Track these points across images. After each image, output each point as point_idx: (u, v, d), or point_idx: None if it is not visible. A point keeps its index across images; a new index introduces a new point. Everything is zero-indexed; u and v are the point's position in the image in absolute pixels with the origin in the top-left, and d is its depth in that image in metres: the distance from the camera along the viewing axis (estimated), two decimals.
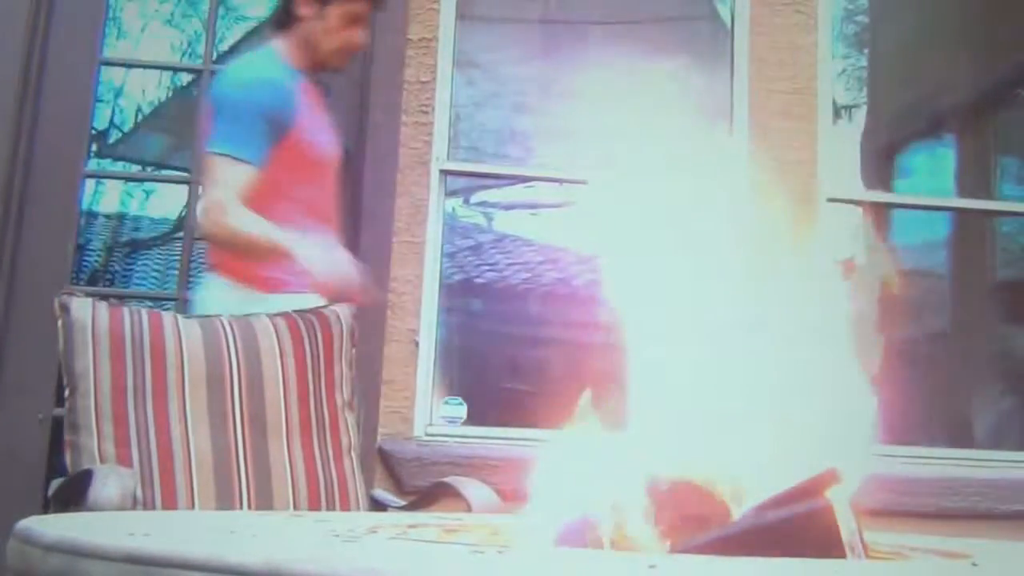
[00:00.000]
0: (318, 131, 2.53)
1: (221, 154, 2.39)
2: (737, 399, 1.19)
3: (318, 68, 2.57)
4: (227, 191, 2.37)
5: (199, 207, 2.48)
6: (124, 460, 2.14)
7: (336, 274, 2.40)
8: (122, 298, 5.55)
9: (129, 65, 6.32)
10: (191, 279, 3.12)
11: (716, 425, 1.18)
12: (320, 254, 2.39)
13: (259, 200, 2.39)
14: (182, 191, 3.73)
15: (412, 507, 2.37)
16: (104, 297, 2.35)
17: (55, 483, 2.12)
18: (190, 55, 5.89)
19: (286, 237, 2.36)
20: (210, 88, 2.63)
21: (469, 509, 2.07)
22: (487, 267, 5.23)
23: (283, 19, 2.56)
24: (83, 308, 2.22)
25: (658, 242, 1.31)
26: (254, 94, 2.44)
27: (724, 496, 1.12)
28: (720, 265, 1.29)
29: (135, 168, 6.43)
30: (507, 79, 4.20)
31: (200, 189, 2.47)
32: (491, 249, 5.30)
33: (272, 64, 2.52)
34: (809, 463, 1.07)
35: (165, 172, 6.49)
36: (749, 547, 1.01)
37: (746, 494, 1.11)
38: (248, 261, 2.43)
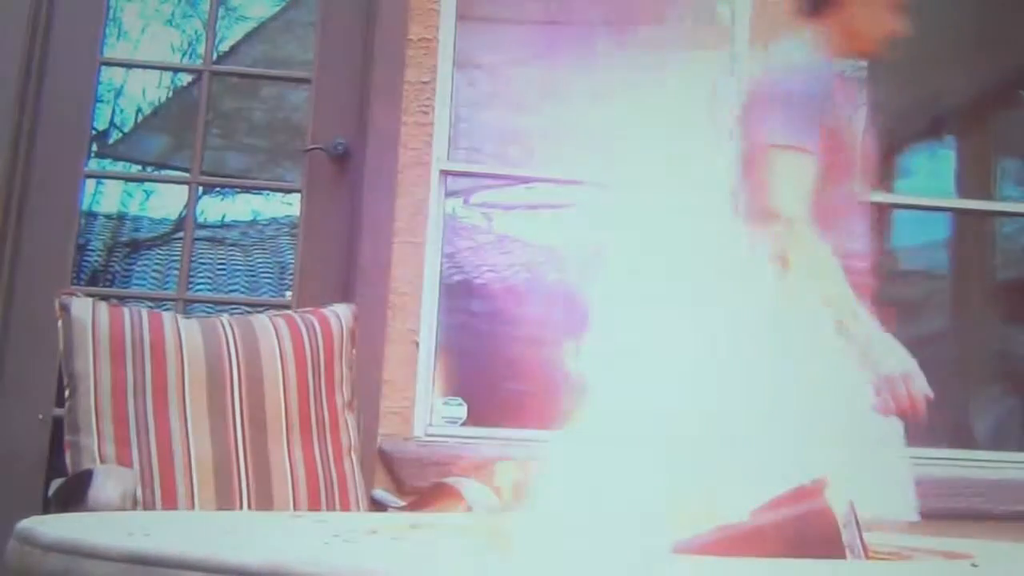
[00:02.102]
0: (854, 121, 2.38)
1: (780, 145, 2.24)
2: (734, 399, 1.19)
3: (853, 54, 2.46)
4: (798, 204, 2.20)
5: (768, 211, 2.21)
6: (124, 460, 2.14)
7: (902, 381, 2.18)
8: (122, 298, 5.55)
9: (129, 65, 6.33)
10: (191, 279, 3.11)
11: (714, 426, 1.18)
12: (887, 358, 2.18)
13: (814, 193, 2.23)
14: (182, 191, 3.73)
15: (412, 507, 2.37)
16: (104, 297, 2.35)
17: (55, 483, 2.12)
18: (190, 55, 5.89)
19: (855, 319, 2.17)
20: (749, 79, 2.48)
21: (469, 509, 2.07)
22: (487, 267, 5.23)
23: (822, 3, 2.41)
24: (83, 308, 2.22)
25: (658, 244, 1.31)
26: (801, 80, 2.30)
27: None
28: (719, 265, 1.29)
29: (135, 168, 6.43)
30: (507, 80, 4.20)
31: (761, 186, 2.22)
32: (491, 249, 5.30)
33: (810, 51, 2.37)
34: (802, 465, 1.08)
35: (165, 172, 6.48)
36: (749, 547, 1.01)
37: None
38: None
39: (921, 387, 2.18)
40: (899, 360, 2.18)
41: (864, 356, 2.16)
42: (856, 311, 2.17)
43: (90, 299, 2.26)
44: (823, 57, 2.36)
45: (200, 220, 5.82)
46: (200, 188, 3.88)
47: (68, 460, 2.16)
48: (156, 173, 6.69)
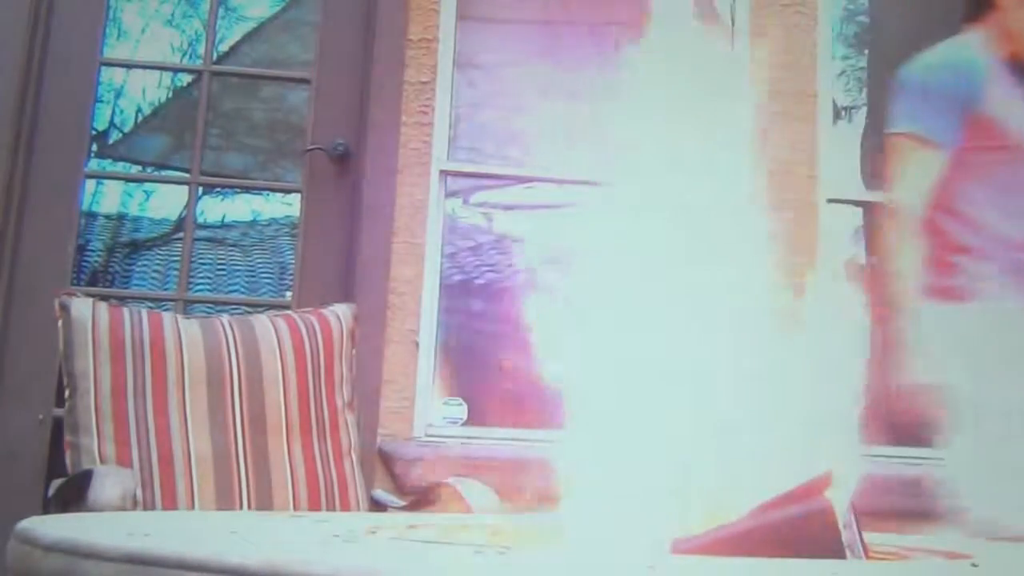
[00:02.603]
0: (1017, 123, 2.37)
1: (909, 133, 2.32)
2: (734, 399, 1.19)
3: (1016, 59, 2.43)
4: (912, 195, 2.27)
5: (891, 195, 2.30)
6: (124, 460, 2.14)
7: None
8: (122, 298, 5.55)
9: (129, 65, 6.33)
10: (191, 279, 3.11)
11: (715, 426, 1.18)
12: None
13: (949, 188, 2.29)
14: (182, 191, 3.73)
15: (412, 507, 2.37)
16: (104, 297, 2.35)
17: (55, 483, 2.12)
18: (190, 55, 5.89)
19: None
20: (899, 74, 2.49)
21: (469, 509, 2.07)
22: (487, 267, 5.22)
23: (979, 7, 2.48)
24: (83, 308, 2.22)
25: (659, 244, 1.31)
26: (942, 76, 2.38)
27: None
28: (719, 266, 1.29)
29: (135, 168, 6.43)
30: (507, 80, 4.19)
31: (889, 172, 2.31)
32: (491, 249, 5.30)
33: (964, 50, 2.43)
34: (802, 464, 1.07)
35: (165, 172, 6.49)
36: (749, 547, 1.01)
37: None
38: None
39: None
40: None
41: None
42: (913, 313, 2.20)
43: (90, 299, 2.26)
44: (977, 57, 2.38)
45: (200, 220, 5.81)
46: (200, 188, 3.88)
47: (68, 460, 2.16)
48: (156, 173, 6.69)
